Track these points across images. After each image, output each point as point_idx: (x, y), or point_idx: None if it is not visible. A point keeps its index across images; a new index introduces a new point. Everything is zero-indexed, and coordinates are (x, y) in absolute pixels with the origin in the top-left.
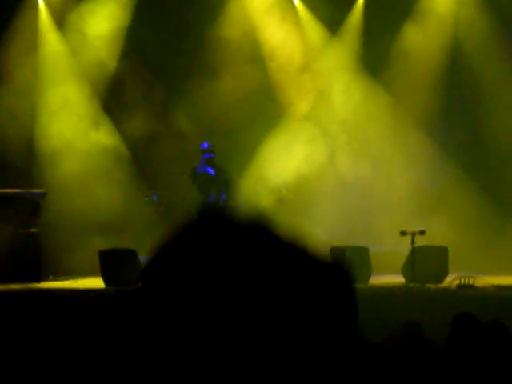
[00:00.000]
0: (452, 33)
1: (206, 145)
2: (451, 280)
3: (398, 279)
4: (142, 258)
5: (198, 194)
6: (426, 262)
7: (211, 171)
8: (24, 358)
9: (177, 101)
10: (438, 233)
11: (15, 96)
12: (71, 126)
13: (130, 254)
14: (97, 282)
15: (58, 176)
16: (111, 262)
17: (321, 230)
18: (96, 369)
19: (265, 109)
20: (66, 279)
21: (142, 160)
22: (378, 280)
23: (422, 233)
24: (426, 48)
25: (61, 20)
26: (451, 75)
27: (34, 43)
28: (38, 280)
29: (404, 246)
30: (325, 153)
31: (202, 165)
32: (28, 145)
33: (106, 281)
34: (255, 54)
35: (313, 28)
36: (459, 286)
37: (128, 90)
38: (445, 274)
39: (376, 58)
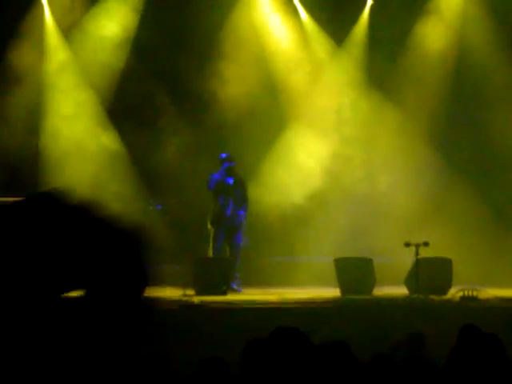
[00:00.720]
0: (458, 41)
1: (224, 154)
2: (455, 292)
3: (401, 290)
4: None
5: (215, 203)
6: (429, 273)
7: (230, 181)
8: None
9: (182, 106)
10: (442, 244)
11: (23, 101)
12: (78, 133)
13: None
14: None
15: (60, 182)
16: None
17: (325, 241)
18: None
19: (270, 120)
20: None
21: (147, 168)
22: (382, 291)
23: (426, 244)
24: (432, 57)
25: (68, 24)
26: (456, 86)
27: (40, 48)
28: None
29: (408, 258)
30: (329, 164)
31: (220, 174)
32: (35, 151)
33: None
34: (262, 62)
35: (319, 40)
36: (463, 298)
37: (134, 94)
38: (448, 285)
39: (382, 68)
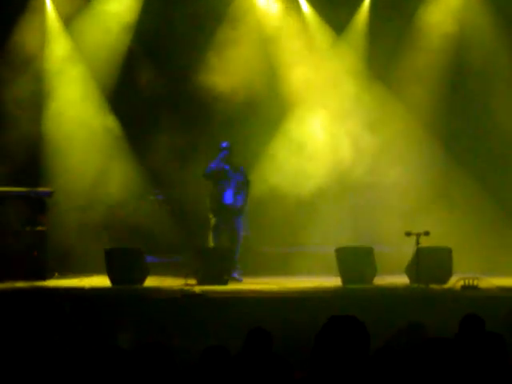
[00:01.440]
0: (460, 30)
1: (224, 143)
2: (455, 281)
3: (402, 280)
4: (148, 256)
5: (213, 191)
6: (430, 262)
7: (228, 169)
8: (28, 354)
9: (184, 97)
10: (443, 234)
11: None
12: (77, 125)
13: (136, 253)
14: (103, 281)
15: (64, 173)
16: (117, 261)
17: (326, 231)
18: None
19: (271, 110)
20: (72, 277)
21: (148, 158)
22: (383, 280)
23: (427, 233)
24: (432, 48)
25: (69, 11)
26: (458, 75)
27: (41, 43)
28: (44, 278)
29: (409, 247)
30: (330, 155)
31: (217, 162)
32: (35, 143)
33: (111, 279)
34: (263, 55)
35: (320, 30)
36: (463, 287)
37: (136, 83)
38: (449, 274)
39: (383, 59)
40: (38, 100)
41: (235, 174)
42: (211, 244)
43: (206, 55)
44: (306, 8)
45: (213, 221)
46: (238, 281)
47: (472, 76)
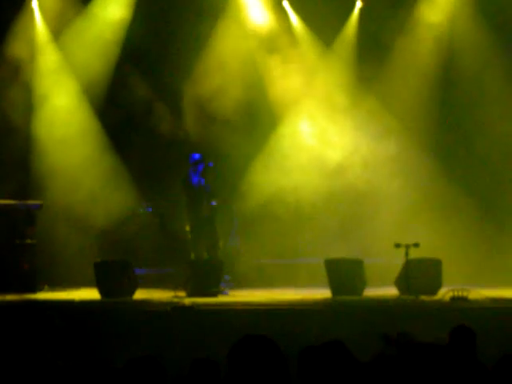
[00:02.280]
0: (447, 44)
1: (196, 156)
2: (445, 292)
3: (392, 291)
4: (138, 269)
5: (190, 207)
6: (419, 274)
7: (202, 182)
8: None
9: (173, 108)
10: (432, 245)
11: (11, 108)
12: (67, 136)
13: (126, 266)
14: (92, 293)
15: (53, 186)
16: (106, 274)
17: (315, 242)
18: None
19: (261, 123)
20: (62, 290)
21: (137, 170)
22: (373, 292)
23: (416, 245)
24: (421, 59)
25: (57, 25)
26: (447, 87)
27: (30, 53)
28: (34, 291)
29: (398, 259)
30: (319, 166)
31: (195, 176)
32: (24, 155)
33: (101, 292)
34: (251, 65)
35: (309, 42)
36: (453, 299)
37: (126, 94)
38: (438, 286)
39: (371, 69)
40: (27, 112)
41: (208, 187)
42: (193, 257)
43: (194, 68)
44: (295, 21)
45: (191, 234)
46: (223, 294)
47: (463, 86)
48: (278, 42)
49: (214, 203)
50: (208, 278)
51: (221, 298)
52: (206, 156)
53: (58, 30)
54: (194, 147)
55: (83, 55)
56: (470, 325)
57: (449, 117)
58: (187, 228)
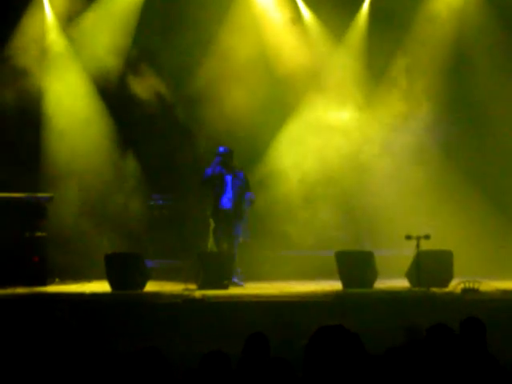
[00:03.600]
0: (457, 39)
1: (222, 148)
2: (456, 284)
3: (402, 283)
4: (148, 261)
5: (212, 196)
6: (430, 266)
7: (226, 174)
8: (28, 360)
9: (186, 103)
10: (443, 237)
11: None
12: (77, 129)
13: (136, 258)
14: (103, 286)
15: (64, 179)
16: (117, 266)
17: (326, 235)
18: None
19: (272, 112)
20: (72, 283)
21: (148, 163)
22: (383, 284)
23: (427, 237)
24: (431, 53)
25: (67, 22)
26: (456, 82)
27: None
28: (44, 284)
29: (409, 250)
30: (330, 158)
31: (213, 167)
32: (35, 147)
33: (111, 284)
34: (264, 61)
35: (320, 35)
36: (464, 290)
37: (136, 87)
38: (449, 278)
39: (382, 63)
40: (37, 104)
41: (234, 179)
42: (210, 247)
43: (206, 62)
44: (306, 14)
45: (212, 226)
46: (239, 285)
47: (474, 80)
48: (290, 34)
49: (249, 196)
50: (219, 270)
51: (231, 291)
52: (231, 150)
53: (67, 23)
54: (206, 140)
55: (94, 47)
56: (480, 317)
57: (460, 112)
58: (210, 220)
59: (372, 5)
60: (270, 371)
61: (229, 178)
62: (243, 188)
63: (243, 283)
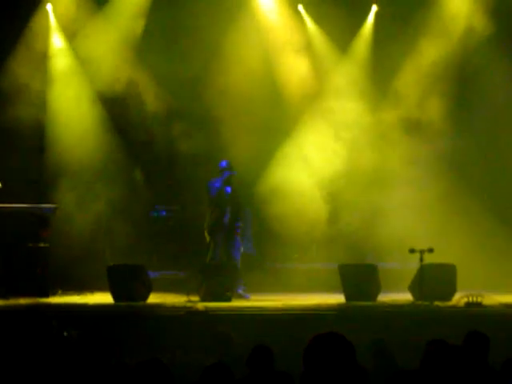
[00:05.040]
0: (463, 46)
1: (224, 163)
2: (459, 298)
3: (406, 297)
4: (151, 273)
5: (213, 210)
6: (434, 279)
7: (229, 190)
8: (30, 371)
9: (190, 111)
10: (447, 251)
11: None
12: (80, 138)
13: (139, 270)
14: (105, 298)
15: (67, 190)
16: (120, 278)
17: (330, 248)
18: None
19: (273, 128)
20: (75, 294)
21: (152, 174)
22: (387, 297)
23: (431, 250)
24: (437, 61)
25: (72, 28)
26: (462, 90)
27: (42, 55)
28: (47, 295)
29: (412, 264)
30: (332, 171)
31: (219, 182)
32: (37, 158)
33: (114, 296)
34: (266, 69)
35: (323, 46)
36: (467, 304)
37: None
38: (453, 291)
39: (386, 73)
40: (41, 116)
41: (234, 195)
42: (208, 260)
43: (209, 68)
44: (309, 24)
45: (210, 239)
46: (245, 298)
47: (478, 91)
48: (293, 44)
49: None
50: (222, 282)
51: (234, 303)
52: (231, 164)
53: (72, 32)
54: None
55: (98, 56)
56: (484, 330)
57: (464, 122)
58: (205, 233)
59: (377, 16)
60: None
61: (230, 195)
62: (239, 204)
63: (249, 295)
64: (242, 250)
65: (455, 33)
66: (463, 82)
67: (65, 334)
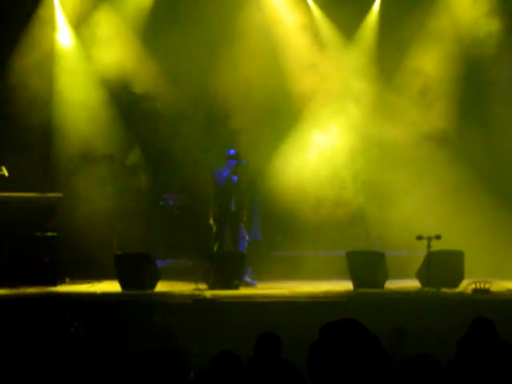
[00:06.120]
0: (468, 33)
1: (232, 151)
2: (467, 284)
3: (413, 284)
4: (158, 261)
5: (219, 199)
6: (441, 266)
7: (235, 179)
8: (38, 359)
9: (197, 102)
10: (454, 237)
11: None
12: (88, 130)
13: (146, 258)
14: (113, 286)
15: (75, 178)
16: (127, 266)
17: (337, 235)
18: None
19: (281, 111)
20: (83, 283)
21: (158, 163)
22: (394, 284)
23: (438, 237)
24: (441, 52)
25: (77, 21)
26: (467, 82)
27: (50, 45)
28: (55, 284)
29: (420, 251)
30: (340, 157)
31: (227, 170)
32: (44, 147)
33: (122, 285)
34: (272, 56)
35: (329, 33)
36: (475, 291)
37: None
38: (460, 278)
39: (392, 62)
40: (48, 105)
41: (240, 184)
42: (216, 250)
43: (215, 61)
44: (315, 12)
45: (216, 228)
46: (251, 285)
47: (482, 78)
48: (301, 35)
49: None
50: (230, 270)
51: (242, 291)
52: (240, 152)
53: (78, 21)
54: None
55: (104, 45)
56: (491, 317)
57: (471, 112)
58: (211, 221)
59: (383, 4)
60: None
61: (236, 183)
62: (245, 193)
63: (256, 282)
64: (247, 238)
65: (462, 21)
66: (471, 69)
67: (72, 329)
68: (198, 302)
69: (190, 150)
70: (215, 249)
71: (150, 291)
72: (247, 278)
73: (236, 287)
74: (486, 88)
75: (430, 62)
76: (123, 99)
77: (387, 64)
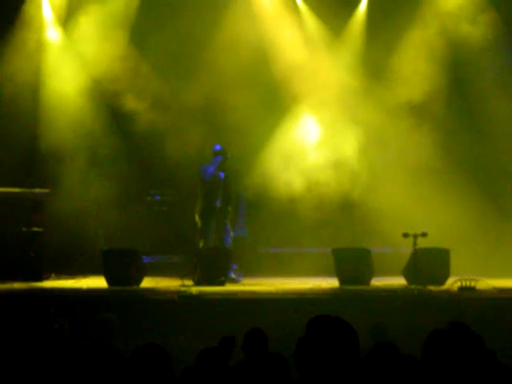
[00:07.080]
0: (455, 36)
1: (218, 147)
2: (453, 282)
3: (399, 281)
4: (145, 257)
5: (205, 195)
6: (427, 263)
7: (222, 175)
8: (24, 356)
9: (183, 97)
10: (440, 235)
11: (17, 94)
12: (74, 124)
13: (133, 254)
14: (99, 282)
15: (61, 174)
16: (113, 262)
17: (323, 232)
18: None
19: (271, 107)
20: (68, 278)
21: (145, 158)
22: (380, 282)
23: (424, 235)
24: (429, 50)
25: (64, 17)
26: (454, 79)
27: (37, 41)
28: (40, 279)
29: (406, 248)
30: (326, 155)
31: (213, 167)
32: (31, 143)
33: (108, 280)
34: (260, 53)
35: (316, 29)
36: (460, 289)
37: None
38: (446, 276)
39: (378, 60)
40: (35, 101)
41: (226, 180)
42: (201, 246)
43: (203, 59)
44: (303, 9)
45: (201, 224)
46: (237, 281)
47: (470, 75)
48: (287, 30)
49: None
50: (215, 266)
51: (228, 287)
52: (225, 148)
53: (65, 17)
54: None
55: (91, 40)
56: (477, 315)
57: (457, 105)
58: (196, 217)
59: (370, 2)
60: (268, 366)
61: (222, 180)
62: (231, 189)
63: (242, 279)
64: (232, 234)
65: (449, 17)
66: (458, 66)
67: (55, 325)
68: (183, 298)
69: (178, 146)
70: (200, 245)
71: (136, 287)
72: (232, 275)
73: (222, 283)
74: (474, 81)
75: (417, 59)
76: (111, 94)
77: (374, 61)
